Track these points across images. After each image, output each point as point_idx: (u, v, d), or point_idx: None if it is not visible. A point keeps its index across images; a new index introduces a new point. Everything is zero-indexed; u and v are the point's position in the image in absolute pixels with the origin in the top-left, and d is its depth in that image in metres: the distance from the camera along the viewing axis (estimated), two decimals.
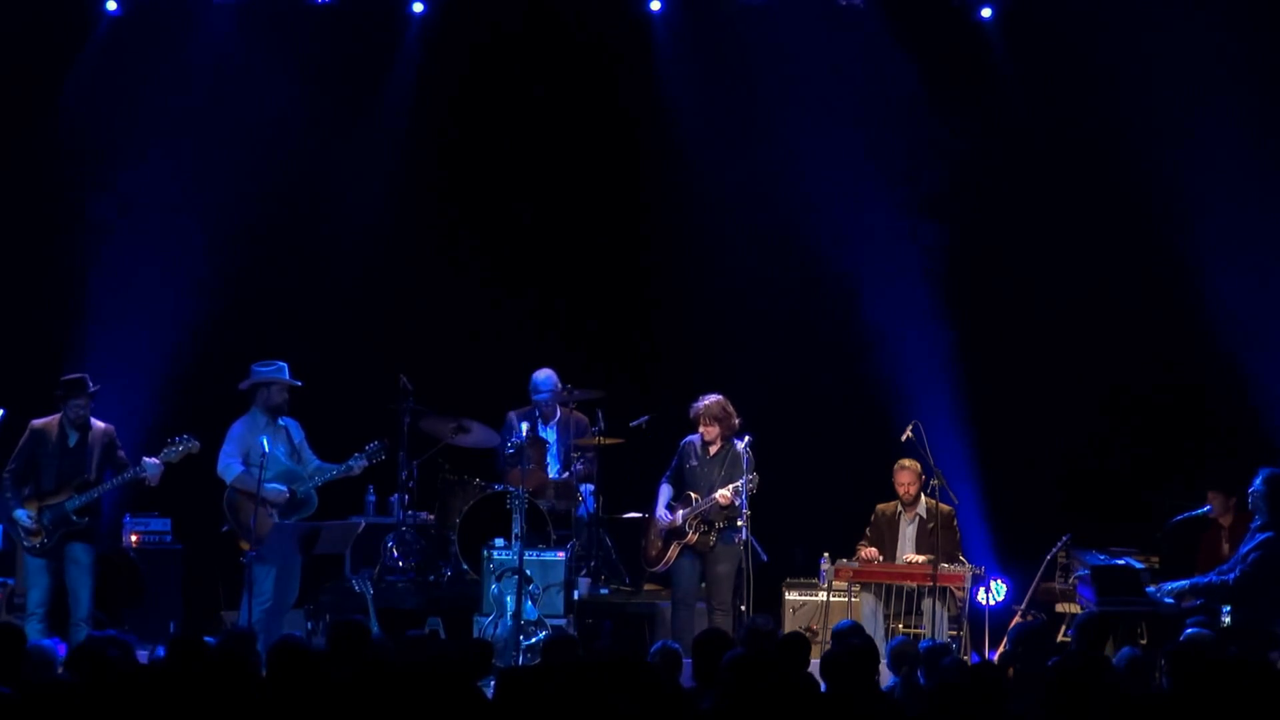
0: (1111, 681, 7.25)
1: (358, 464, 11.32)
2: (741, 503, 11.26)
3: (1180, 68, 12.97)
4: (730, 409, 11.62)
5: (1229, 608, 10.41)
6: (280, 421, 11.29)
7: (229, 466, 11.15)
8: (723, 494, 11.38)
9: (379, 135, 13.79)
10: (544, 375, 12.76)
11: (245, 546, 10.98)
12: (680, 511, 11.59)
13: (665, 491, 11.78)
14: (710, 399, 11.64)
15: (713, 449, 11.67)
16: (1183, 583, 10.73)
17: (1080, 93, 13.27)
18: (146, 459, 10.89)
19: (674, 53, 13.71)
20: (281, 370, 11.32)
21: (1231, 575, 10.53)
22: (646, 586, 12.73)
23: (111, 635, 8.02)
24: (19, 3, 13.27)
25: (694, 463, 11.71)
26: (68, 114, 13.46)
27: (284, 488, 11.08)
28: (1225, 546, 11.42)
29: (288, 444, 11.28)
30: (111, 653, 7.33)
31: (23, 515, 10.87)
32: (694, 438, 11.76)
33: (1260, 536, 10.57)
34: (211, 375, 12.71)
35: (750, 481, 11.28)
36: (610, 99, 13.82)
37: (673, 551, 11.62)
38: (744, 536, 11.40)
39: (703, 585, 11.73)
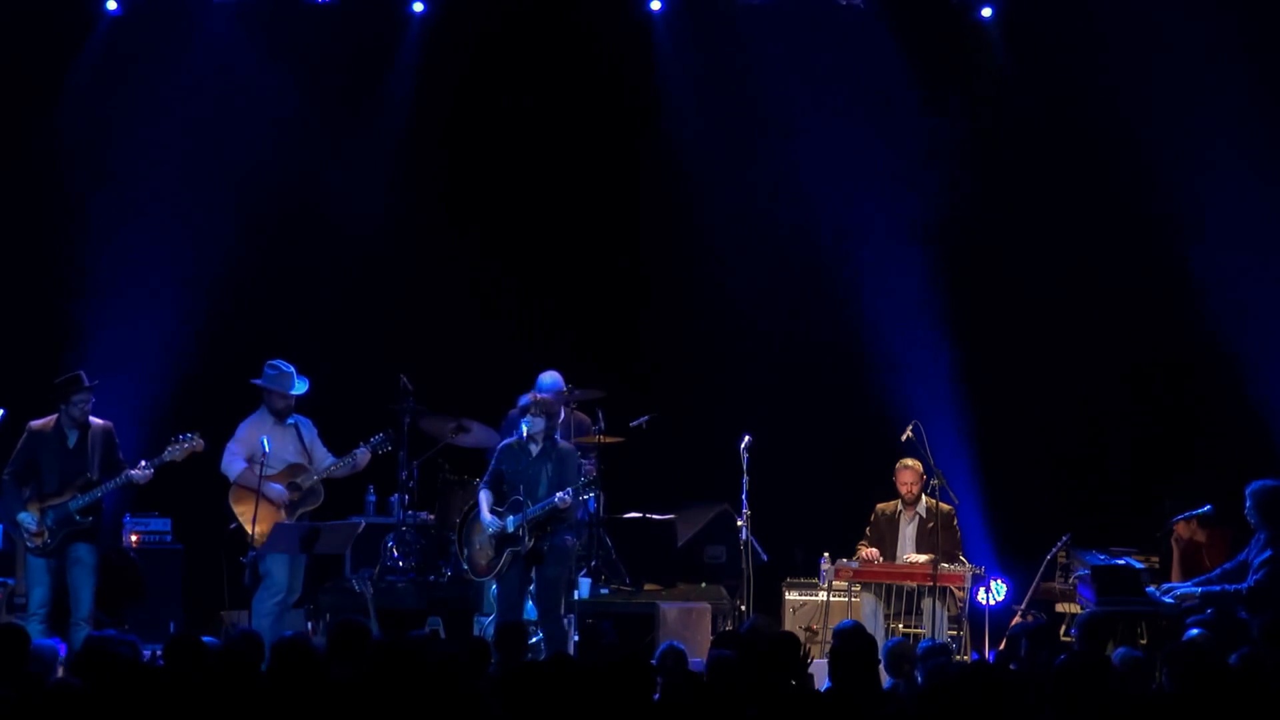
0: (1112, 682, 7.25)
1: (362, 454, 11.35)
2: (574, 503, 10.77)
3: (1180, 65, 12.97)
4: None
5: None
6: (290, 420, 11.30)
7: (231, 464, 11.18)
8: (561, 498, 10.76)
9: (379, 135, 13.79)
10: (547, 377, 12.73)
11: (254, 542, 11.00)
12: (510, 518, 10.92)
13: (485, 497, 11.03)
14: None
15: (535, 448, 11.03)
16: (1192, 588, 10.70)
17: (1080, 91, 13.26)
18: (133, 471, 10.86)
19: (674, 53, 13.72)
20: (284, 379, 11.29)
21: (1245, 584, 10.50)
22: (647, 587, 12.71)
23: (112, 635, 8.01)
24: (19, 2, 13.27)
25: (520, 464, 11.01)
26: (68, 113, 13.46)
27: (284, 489, 11.08)
28: (1206, 562, 11.41)
29: (297, 442, 11.29)
30: (121, 651, 7.33)
31: (26, 518, 10.84)
32: (513, 437, 11.09)
33: (1267, 553, 10.53)
34: (212, 375, 12.73)
35: (586, 487, 10.83)
36: (610, 99, 13.81)
37: (506, 560, 10.93)
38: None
39: (530, 590, 11.16)
